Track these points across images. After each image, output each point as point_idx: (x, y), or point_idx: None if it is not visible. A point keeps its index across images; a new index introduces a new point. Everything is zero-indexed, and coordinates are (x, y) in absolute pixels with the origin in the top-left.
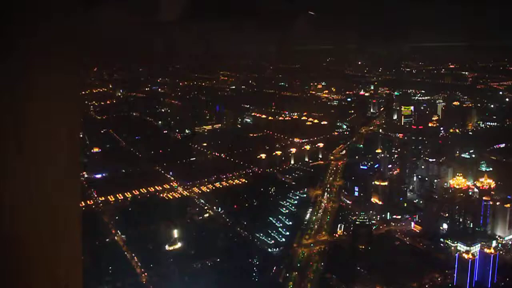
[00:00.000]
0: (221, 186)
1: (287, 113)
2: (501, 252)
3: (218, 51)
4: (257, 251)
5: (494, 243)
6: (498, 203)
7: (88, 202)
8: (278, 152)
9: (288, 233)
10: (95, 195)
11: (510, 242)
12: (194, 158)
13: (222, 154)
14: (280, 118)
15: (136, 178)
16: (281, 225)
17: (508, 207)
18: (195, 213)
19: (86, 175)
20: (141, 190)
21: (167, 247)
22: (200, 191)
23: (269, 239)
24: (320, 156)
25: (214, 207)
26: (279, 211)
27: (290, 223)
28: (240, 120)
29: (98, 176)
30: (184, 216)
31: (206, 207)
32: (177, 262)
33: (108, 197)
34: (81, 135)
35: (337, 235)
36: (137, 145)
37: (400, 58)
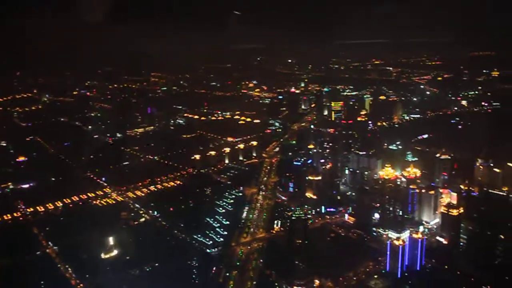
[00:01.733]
0: (156, 189)
1: (219, 112)
2: (427, 236)
3: (148, 52)
4: (196, 253)
5: (421, 228)
6: (423, 191)
7: (15, 214)
8: (212, 152)
9: (226, 232)
10: (23, 206)
11: (435, 226)
12: (127, 162)
13: (156, 157)
14: (213, 118)
15: (67, 186)
16: (218, 225)
17: (432, 194)
18: (130, 218)
19: (11, 186)
20: (72, 198)
21: (103, 256)
22: (135, 196)
23: (207, 239)
24: (254, 154)
25: (150, 211)
26: (216, 211)
27: (228, 222)
28: (172, 121)
29: (25, 186)
30: (119, 222)
31: (141, 212)
32: (114, 270)
33: (37, 207)
34: (4, 144)
35: (274, 232)
36: (67, 152)
37: (328, 55)
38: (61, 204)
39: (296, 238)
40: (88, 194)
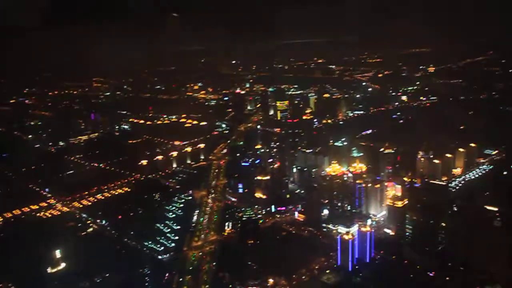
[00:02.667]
0: (103, 197)
1: (165, 116)
2: (375, 228)
3: (89, 56)
4: (148, 260)
5: (369, 222)
6: (369, 185)
7: None
8: (160, 157)
9: (177, 237)
10: None
11: (382, 219)
12: (72, 171)
13: (102, 164)
14: (159, 122)
15: (7, 199)
16: (169, 230)
17: (378, 187)
18: (77, 229)
19: None
20: (14, 212)
21: (49, 270)
22: (81, 205)
23: (158, 246)
24: (202, 157)
25: (98, 220)
26: (165, 217)
27: (178, 227)
28: (117, 127)
29: None
30: (65, 233)
31: (89, 221)
32: (62, 284)
33: None
34: None
35: (225, 233)
36: (6, 163)
37: (272, 55)
38: (1, 219)
39: (247, 238)
40: (31, 206)
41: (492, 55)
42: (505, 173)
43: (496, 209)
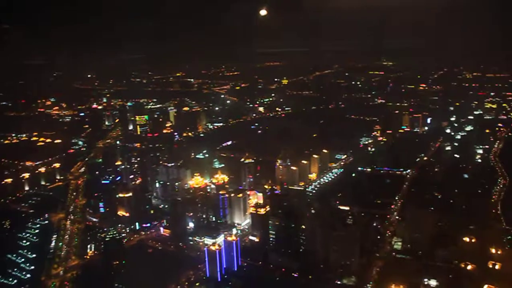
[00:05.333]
0: None
1: (14, 135)
2: (241, 237)
3: None
4: None
5: (234, 231)
6: (232, 195)
7: None
8: (8, 180)
9: (33, 267)
10: None
11: (247, 227)
12: None
13: None
14: (6, 141)
15: None
16: (23, 260)
17: (241, 197)
18: None
19: None
20: None
21: None
22: None
23: (10, 279)
24: (58, 177)
25: None
26: (18, 245)
27: (34, 255)
28: None
29: None
30: None
31: None
32: None
33: None
34: None
35: (88, 256)
36: None
37: (129, 69)
38: None
39: (112, 259)
40: None
41: (338, 68)
42: (353, 174)
43: (347, 208)
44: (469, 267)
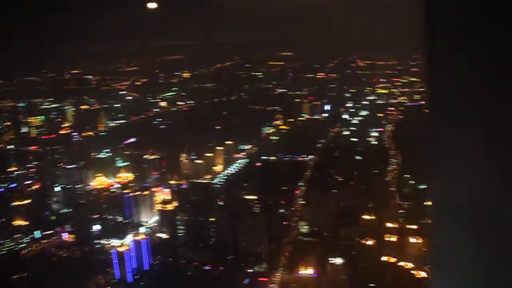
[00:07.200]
0: None
1: None
2: (150, 235)
3: None
4: None
5: (142, 229)
6: (138, 193)
7: None
8: None
9: None
10: None
11: (155, 224)
12: None
13: None
14: None
15: None
16: None
17: (147, 194)
18: None
19: None
20: None
21: None
22: None
23: None
24: None
25: None
26: None
27: None
28: None
29: None
30: None
31: None
32: None
33: None
34: None
35: None
36: None
37: (20, 66)
38: None
39: (11, 274)
40: None
41: (238, 60)
42: (258, 164)
43: (254, 197)
44: (369, 242)
